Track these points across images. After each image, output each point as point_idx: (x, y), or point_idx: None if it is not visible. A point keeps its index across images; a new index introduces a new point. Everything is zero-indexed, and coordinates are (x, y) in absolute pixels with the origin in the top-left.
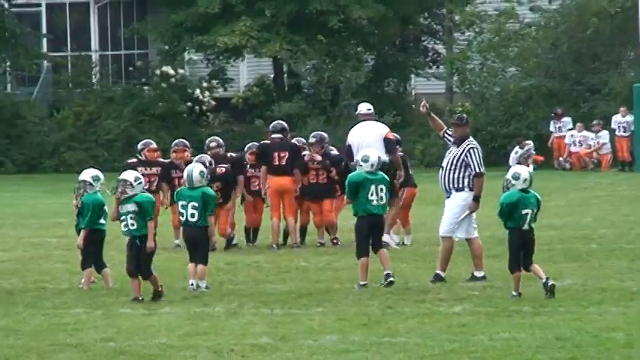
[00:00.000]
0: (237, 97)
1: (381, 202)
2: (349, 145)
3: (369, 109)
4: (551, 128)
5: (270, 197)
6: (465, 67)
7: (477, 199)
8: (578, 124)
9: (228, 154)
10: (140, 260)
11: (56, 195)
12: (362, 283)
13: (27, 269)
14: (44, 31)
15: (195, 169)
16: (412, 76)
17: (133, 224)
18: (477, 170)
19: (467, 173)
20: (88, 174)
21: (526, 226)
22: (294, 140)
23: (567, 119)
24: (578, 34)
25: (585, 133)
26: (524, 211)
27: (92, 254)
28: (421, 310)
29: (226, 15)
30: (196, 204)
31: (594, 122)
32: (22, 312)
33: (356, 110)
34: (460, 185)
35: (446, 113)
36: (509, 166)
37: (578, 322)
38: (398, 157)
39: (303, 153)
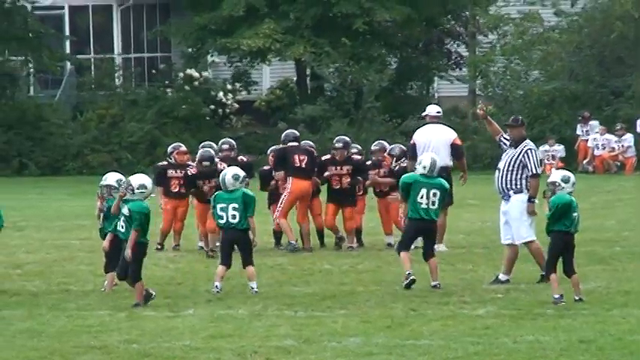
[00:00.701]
0: (260, 100)
1: (432, 207)
2: (414, 145)
3: (439, 112)
4: (578, 131)
5: (290, 201)
6: (488, 69)
7: (531, 200)
8: (601, 127)
9: (239, 158)
10: (127, 265)
11: (80, 197)
12: (407, 272)
13: (51, 271)
14: (67, 33)
15: (228, 173)
16: (435, 78)
17: (122, 227)
18: (534, 171)
19: (524, 175)
20: (112, 178)
21: (572, 229)
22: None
23: (595, 122)
24: (603, 37)
25: (608, 136)
26: (574, 214)
27: (116, 258)
28: (445, 312)
29: (250, 18)
30: (237, 205)
31: (617, 126)
32: (46, 314)
33: (381, 112)
34: (518, 187)
35: (469, 116)
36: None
37: (601, 324)
38: (464, 163)
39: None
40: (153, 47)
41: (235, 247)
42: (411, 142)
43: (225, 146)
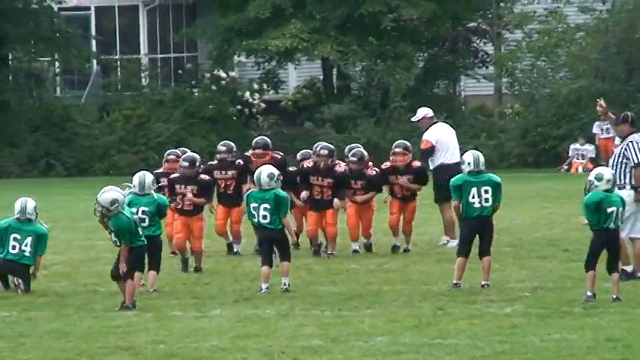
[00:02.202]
0: (286, 100)
1: (486, 204)
2: (432, 146)
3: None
4: (595, 130)
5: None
6: (514, 68)
7: (636, 189)
8: None
9: (237, 161)
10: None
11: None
12: (455, 282)
13: (77, 272)
14: (93, 34)
15: (264, 172)
16: (461, 77)
17: (116, 241)
18: (636, 161)
19: (627, 169)
20: (105, 199)
21: (612, 225)
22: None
23: None
24: (629, 36)
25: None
26: (609, 210)
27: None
28: (472, 311)
29: (276, 19)
30: (268, 206)
31: None
32: (73, 315)
33: (408, 112)
34: (622, 182)
35: (495, 114)
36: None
37: (628, 322)
38: None
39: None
40: (179, 47)
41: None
42: (429, 143)
43: (223, 148)
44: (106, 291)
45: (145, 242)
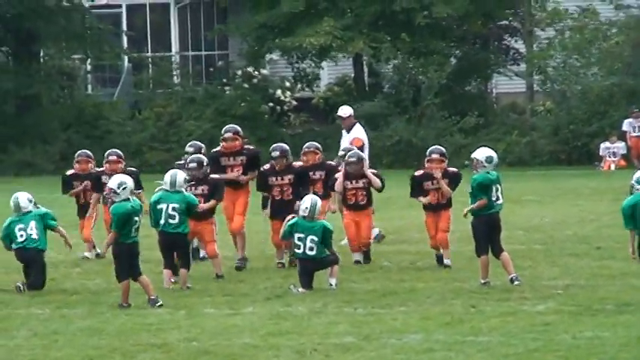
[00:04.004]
0: (318, 98)
1: (499, 202)
2: (363, 144)
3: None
4: (626, 127)
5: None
6: (546, 65)
7: None
8: None
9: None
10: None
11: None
12: (483, 281)
13: (111, 270)
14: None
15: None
16: (493, 75)
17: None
18: None
19: None
20: (113, 182)
21: None
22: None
23: None
24: None
25: None
26: None
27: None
28: (504, 308)
29: (309, 15)
30: (315, 238)
31: None
32: (106, 312)
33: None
34: None
35: (527, 112)
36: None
37: None
38: None
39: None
40: (210, 45)
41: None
42: (360, 141)
43: (190, 149)
44: (139, 288)
45: (137, 242)
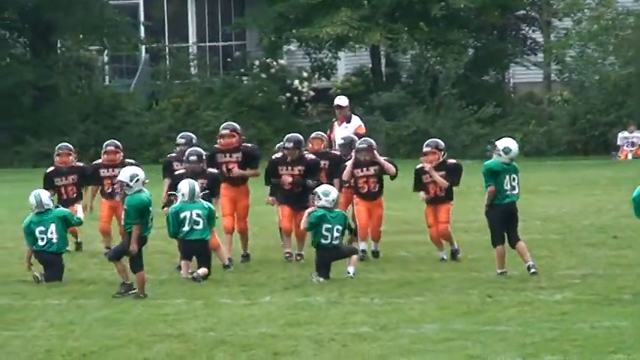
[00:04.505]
0: (335, 88)
1: (514, 192)
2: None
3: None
4: None
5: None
6: (563, 55)
7: None
8: None
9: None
10: (120, 251)
11: (155, 186)
12: (499, 271)
13: (127, 260)
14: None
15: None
16: (511, 65)
17: (124, 220)
18: None
19: None
20: (124, 175)
21: None
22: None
23: None
24: None
25: None
26: None
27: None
28: (521, 298)
29: (326, 6)
30: (340, 227)
31: None
32: (123, 302)
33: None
34: None
35: (544, 102)
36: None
37: None
38: None
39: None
40: (228, 36)
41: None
42: (362, 129)
43: (181, 140)
44: (155, 279)
45: (149, 234)
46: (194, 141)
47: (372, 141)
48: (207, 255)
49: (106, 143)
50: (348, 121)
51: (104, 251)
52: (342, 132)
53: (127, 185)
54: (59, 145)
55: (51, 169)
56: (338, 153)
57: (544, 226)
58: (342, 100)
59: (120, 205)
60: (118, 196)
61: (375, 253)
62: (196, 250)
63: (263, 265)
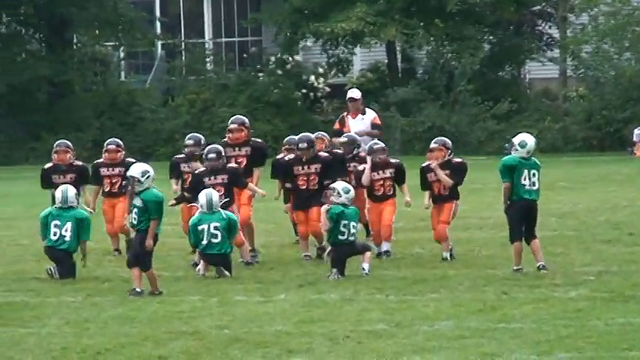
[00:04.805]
0: (351, 84)
1: (534, 187)
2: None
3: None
4: None
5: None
6: (579, 51)
7: None
8: None
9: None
10: (138, 253)
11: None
12: (515, 268)
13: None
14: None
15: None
16: (526, 61)
17: (135, 218)
18: None
19: None
20: (135, 170)
21: None
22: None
23: None
24: None
25: None
26: None
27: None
28: (536, 295)
29: (342, 1)
30: (354, 223)
31: None
32: (138, 300)
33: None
34: None
35: (560, 98)
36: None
37: None
38: None
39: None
40: (244, 32)
41: None
42: (378, 120)
43: (190, 142)
44: (170, 276)
45: (160, 232)
46: (202, 142)
47: (381, 144)
48: (227, 267)
49: (107, 142)
50: (363, 113)
51: (113, 253)
52: (356, 124)
53: (138, 181)
54: (57, 142)
55: (49, 165)
56: (341, 152)
57: (559, 222)
58: (355, 93)
59: (118, 203)
60: (128, 192)
61: (386, 253)
62: (216, 262)
63: (278, 263)
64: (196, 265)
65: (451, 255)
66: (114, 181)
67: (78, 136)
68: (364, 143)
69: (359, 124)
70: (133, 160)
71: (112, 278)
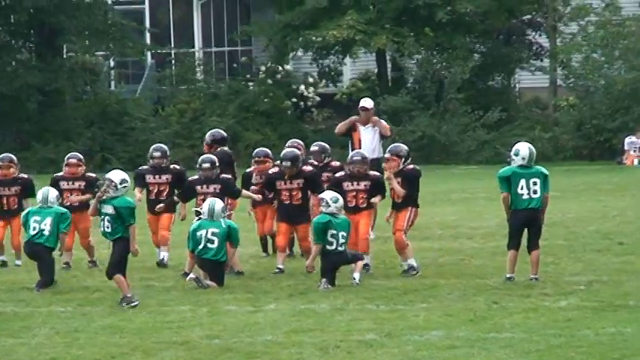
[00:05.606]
0: (341, 93)
1: (534, 196)
2: None
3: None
4: None
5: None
6: (569, 60)
7: None
8: None
9: (172, 166)
10: (116, 261)
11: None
12: (508, 276)
13: (132, 267)
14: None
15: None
16: (516, 70)
17: (108, 227)
18: None
19: None
20: (116, 175)
21: None
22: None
23: None
24: None
25: None
26: None
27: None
28: (526, 305)
29: (332, 11)
30: (345, 234)
31: None
32: (128, 310)
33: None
34: None
35: (550, 107)
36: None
37: None
38: None
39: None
40: (233, 41)
41: None
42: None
43: (157, 154)
44: (160, 286)
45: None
46: (168, 153)
47: (365, 154)
48: (219, 275)
49: (68, 155)
50: (374, 125)
51: (88, 265)
52: (367, 133)
53: (115, 186)
54: (69, 154)
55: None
56: (339, 164)
57: (549, 231)
58: (367, 103)
59: (82, 219)
60: (98, 194)
61: (366, 266)
62: (208, 268)
63: (267, 273)
64: (187, 274)
65: (412, 267)
66: (74, 194)
67: (68, 145)
68: (376, 151)
69: (369, 131)
70: (94, 176)
71: (101, 288)
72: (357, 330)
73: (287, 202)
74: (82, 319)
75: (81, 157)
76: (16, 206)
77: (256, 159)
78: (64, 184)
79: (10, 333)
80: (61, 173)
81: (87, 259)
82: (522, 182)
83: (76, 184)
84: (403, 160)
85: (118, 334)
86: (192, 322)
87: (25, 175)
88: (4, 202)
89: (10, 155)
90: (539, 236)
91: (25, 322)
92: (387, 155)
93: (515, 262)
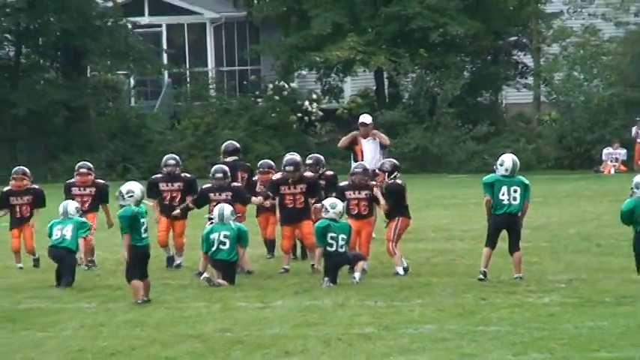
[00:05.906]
0: (342, 108)
1: (514, 202)
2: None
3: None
4: (633, 134)
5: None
6: (552, 78)
7: None
8: None
9: (183, 174)
10: (129, 266)
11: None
12: (482, 269)
13: (151, 267)
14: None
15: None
16: (503, 87)
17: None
18: None
19: None
20: (124, 187)
21: None
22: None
23: None
24: None
25: None
26: None
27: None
28: (512, 301)
29: (335, 35)
30: (345, 235)
31: None
32: (147, 306)
33: (454, 119)
34: None
35: (534, 121)
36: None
37: None
38: None
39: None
40: (244, 61)
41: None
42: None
43: (171, 162)
44: (177, 284)
45: (148, 244)
46: (180, 163)
47: (366, 165)
48: (231, 274)
49: (78, 164)
50: (374, 138)
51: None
52: (368, 145)
53: (122, 197)
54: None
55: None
56: (332, 173)
57: (533, 234)
58: (366, 118)
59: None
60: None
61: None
62: (221, 268)
63: (276, 272)
64: (200, 274)
65: (405, 270)
66: (84, 199)
67: (92, 156)
68: (378, 161)
69: (370, 143)
70: (103, 182)
71: (123, 286)
72: (358, 324)
73: (290, 205)
74: (105, 315)
75: (90, 165)
76: (28, 214)
77: (260, 169)
78: (75, 190)
79: (41, 327)
80: (72, 180)
81: (110, 259)
82: (504, 189)
83: (87, 190)
84: (387, 174)
85: (138, 328)
86: (206, 317)
87: (37, 186)
88: (18, 210)
89: (24, 168)
90: (519, 239)
91: (55, 317)
92: (357, 170)
93: (490, 258)
